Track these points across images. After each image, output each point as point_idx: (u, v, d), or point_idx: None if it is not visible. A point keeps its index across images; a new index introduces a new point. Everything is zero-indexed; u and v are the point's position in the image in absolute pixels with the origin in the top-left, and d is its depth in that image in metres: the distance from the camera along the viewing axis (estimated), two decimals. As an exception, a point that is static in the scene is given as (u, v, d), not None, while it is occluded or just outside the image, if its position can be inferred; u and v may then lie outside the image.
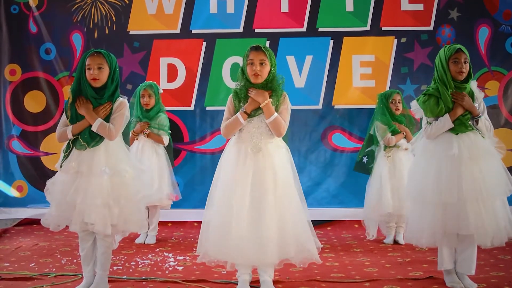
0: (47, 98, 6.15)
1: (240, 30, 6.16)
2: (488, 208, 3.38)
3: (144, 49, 6.15)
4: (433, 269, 3.77)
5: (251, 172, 3.35)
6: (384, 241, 5.03)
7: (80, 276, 3.66)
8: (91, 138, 3.32)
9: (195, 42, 6.17)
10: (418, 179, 3.58)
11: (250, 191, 3.33)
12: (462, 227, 3.39)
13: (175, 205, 5.38)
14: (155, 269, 4.07)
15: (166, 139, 5.15)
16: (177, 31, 6.17)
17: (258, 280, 3.47)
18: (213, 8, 6.16)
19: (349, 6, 6.13)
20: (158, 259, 4.39)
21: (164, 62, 6.16)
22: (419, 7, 6.11)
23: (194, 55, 6.17)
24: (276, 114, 3.39)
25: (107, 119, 3.36)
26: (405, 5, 6.11)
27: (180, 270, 4.04)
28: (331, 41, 6.13)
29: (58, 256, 4.49)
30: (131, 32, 6.17)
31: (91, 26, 6.14)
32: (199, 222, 5.82)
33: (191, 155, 6.15)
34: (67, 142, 3.37)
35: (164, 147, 5.18)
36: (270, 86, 3.46)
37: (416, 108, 3.62)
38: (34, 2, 6.14)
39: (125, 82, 6.03)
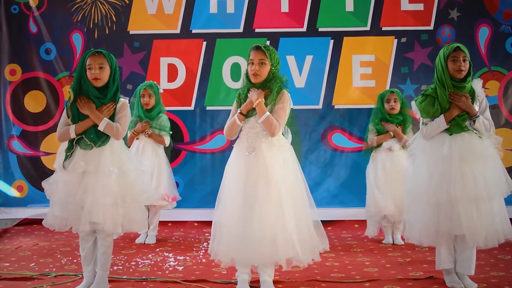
0: (47, 98, 6.15)
1: (240, 30, 6.16)
2: (481, 209, 3.36)
3: (144, 49, 6.15)
4: (433, 269, 3.76)
5: (245, 172, 3.37)
6: (383, 241, 5.04)
7: (80, 276, 3.66)
8: (98, 138, 3.33)
9: (195, 42, 6.17)
10: (414, 179, 3.61)
11: (244, 191, 3.34)
12: (454, 228, 3.39)
13: (175, 205, 5.38)
14: (155, 269, 4.07)
15: (167, 139, 5.16)
16: (177, 31, 6.17)
17: (258, 280, 3.47)
18: (213, 8, 6.16)
19: (349, 6, 6.13)
20: (158, 259, 4.39)
21: (164, 62, 6.16)
22: (419, 7, 6.11)
23: (194, 55, 6.17)
24: (267, 113, 3.38)
25: (111, 119, 3.37)
26: (405, 5, 6.11)
27: (180, 270, 4.04)
28: (331, 41, 6.13)
29: (58, 256, 4.49)
30: (131, 32, 6.17)
31: (91, 26, 6.14)
32: (199, 222, 5.94)
33: (191, 155, 6.15)
34: (70, 141, 3.35)
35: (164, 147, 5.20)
36: (269, 85, 3.46)
37: (416, 109, 3.63)
38: (34, 2, 6.14)
39: (125, 82, 6.03)
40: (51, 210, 3.34)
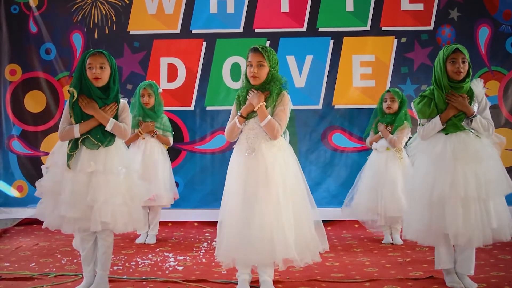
0: (47, 98, 6.15)
1: (240, 30, 6.16)
2: (469, 209, 3.35)
3: (144, 49, 6.15)
4: (433, 269, 3.76)
5: (245, 173, 3.38)
6: (382, 241, 5.03)
7: (81, 276, 3.66)
8: (105, 137, 3.34)
9: (195, 42, 6.17)
10: (412, 179, 3.66)
11: (243, 192, 3.35)
12: (441, 226, 3.40)
13: (175, 205, 5.38)
14: (155, 269, 4.07)
15: (171, 140, 5.21)
16: (177, 31, 6.17)
17: (258, 280, 3.47)
18: (213, 8, 6.16)
19: (349, 6, 6.13)
20: (158, 259, 4.39)
21: (164, 62, 6.16)
22: (419, 7, 6.11)
23: (194, 55, 6.17)
24: (269, 117, 3.39)
25: (114, 119, 3.38)
26: (405, 5, 6.11)
27: (180, 270, 4.04)
28: (331, 41, 6.14)
29: (58, 256, 4.49)
30: (131, 32, 6.17)
31: (91, 26, 6.15)
32: (199, 222, 5.94)
33: (191, 155, 6.15)
34: (74, 141, 3.33)
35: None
36: (268, 87, 3.46)
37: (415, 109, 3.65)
38: (34, 2, 6.14)
39: (125, 82, 6.03)
40: (58, 211, 3.28)
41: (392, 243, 4.96)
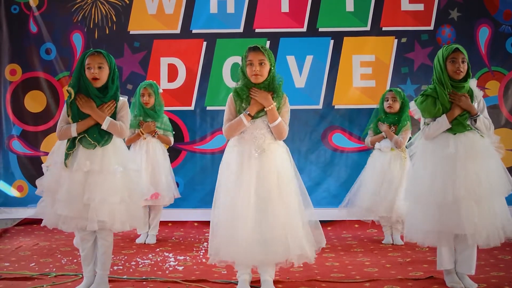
0: (48, 98, 6.15)
1: (241, 30, 6.16)
2: (483, 208, 3.37)
3: (145, 49, 6.15)
4: (433, 269, 3.77)
5: (255, 173, 3.36)
6: (383, 241, 5.04)
7: (81, 276, 3.66)
8: (101, 137, 3.33)
9: (196, 42, 6.17)
10: (416, 180, 3.60)
11: (255, 192, 3.34)
12: (457, 227, 3.39)
13: (175, 205, 5.38)
14: (155, 269, 4.07)
15: (172, 139, 5.24)
16: (177, 31, 6.17)
17: (259, 280, 3.47)
18: (213, 8, 6.16)
19: (349, 6, 6.13)
20: (159, 259, 4.39)
21: (164, 62, 6.16)
22: (419, 7, 6.11)
23: (195, 55, 6.17)
24: (280, 119, 3.40)
25: (112, 117, 3.37)
26: (406, 5, 6.11)
27: (181, 270, 4.04)
28: (331, 41, 6.13)
29: (59, 256, 4.49)
30: (131, 32, 6.17)
31: (91, 26, 6.15)
32: (199, 222, 5.94)
33: (191, 155, 6.15)
34: (71, 140, 3.34)
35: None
36: (271, 87, 3.46)
37: (415, 109, 3.63)
38: (35, 2, 6.14)
39: (125, 82, 6.03)
40: (56, 210, 3.29)
41: (393, 244, 4.96)
